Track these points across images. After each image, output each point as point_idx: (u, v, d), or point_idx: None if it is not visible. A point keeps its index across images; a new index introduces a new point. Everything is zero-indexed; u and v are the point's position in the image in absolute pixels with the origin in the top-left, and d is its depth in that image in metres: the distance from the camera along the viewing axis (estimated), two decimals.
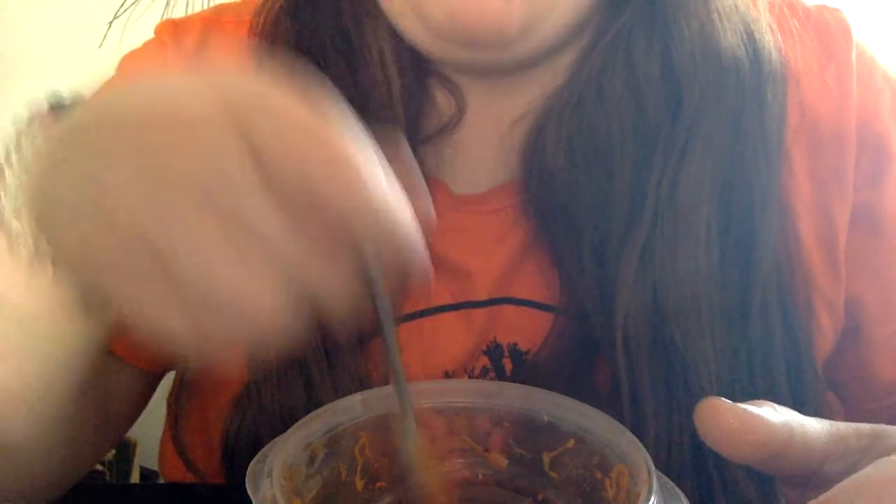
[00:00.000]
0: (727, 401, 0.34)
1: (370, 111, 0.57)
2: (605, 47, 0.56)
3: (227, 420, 0.56)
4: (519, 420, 0.43)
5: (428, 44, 0.54)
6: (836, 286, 0.57)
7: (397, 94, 0.57)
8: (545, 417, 0.43)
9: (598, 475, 0.41)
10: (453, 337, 0.57)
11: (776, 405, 0.35)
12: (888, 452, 0.33)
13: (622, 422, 0.51)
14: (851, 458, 0.35)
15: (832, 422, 0.36)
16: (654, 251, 0.53)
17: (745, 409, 0.34)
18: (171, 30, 0.64)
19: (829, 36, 0.59)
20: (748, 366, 0.53)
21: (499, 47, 0.52)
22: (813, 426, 0.35)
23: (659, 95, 0.55)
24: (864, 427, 0.36)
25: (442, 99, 0.60)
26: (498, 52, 0.53)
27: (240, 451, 0.55)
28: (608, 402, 0.52)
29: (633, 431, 0.51)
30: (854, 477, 0.31)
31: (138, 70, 0.64)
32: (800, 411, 0.53)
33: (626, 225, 0.54)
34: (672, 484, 0.38)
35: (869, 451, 0.35)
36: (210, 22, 0.64)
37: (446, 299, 0.57)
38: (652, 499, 0.36)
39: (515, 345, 0.56)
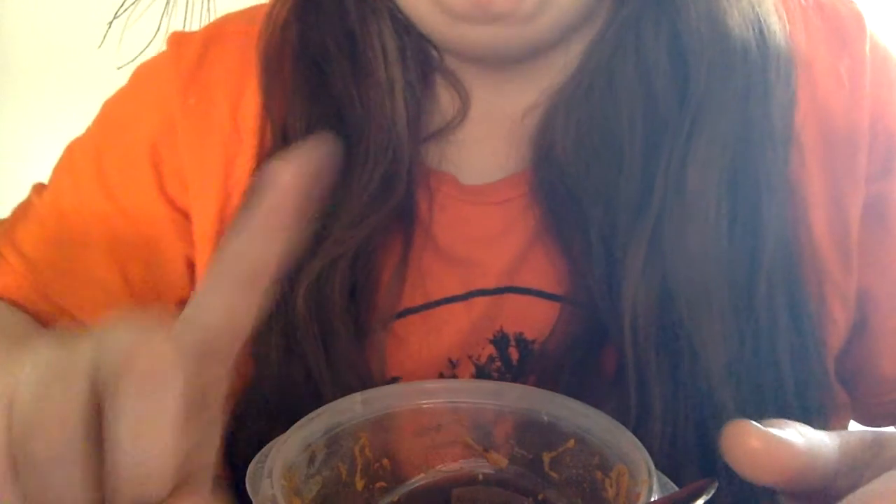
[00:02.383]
0: (754, 424, 0.34)
1: (372, 111, 0.57)
2: (615, 33, 0.56)
3: (231, 414, 0.56)
4: (519, 420, 0.43)
5: (443, 29, 0.53)
6: (847, 278, 0.57)
7: (399, 93, 0.57)
8: (545, 417, 0.43)
9: (598, 475, 0.41)
10: (459, 326, 0.57)
11: (798, 425, 0.34)
12: (892, 464, 0.33)
13: (628, 409, 0.51)
14: (858, 471, 0.35)
15: (840, 433, 0.35)
16: (662, 237, 0.53)
17: (771, 434, 0.33)
18: (175, 42, 0.64)
19: (843, 27, 0.59)
20: (754, 352, 0.52)
21: (517, 22, 0.52)
22: (827, 443, 0.34)
23: (668, 80, 0.55)
24: (867, 435, 0.36)
25: (446, 97, 0.60)
26: (517, 27, 0.52)
27: (242, 446, 0.55)
28: (614, 390, 0.52)
29: (638, 418, 0.51)
30: (860, 492, 0.31)
31: (149, 82, 0.65)
32: (804, 402, 0.53)
33: (635, 211, 0.54)
34: (672, 484, 0.38)
35: (873, 462, 0.35)
36: (213, 33, 0.65)
37: (454, 290, 0.57)
38: (652, 498, 0.36)
39: (522, 334, 0.57)
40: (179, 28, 0.65)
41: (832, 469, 0.34)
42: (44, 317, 0.65)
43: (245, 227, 0.33)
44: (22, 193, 0.69)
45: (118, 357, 0.31)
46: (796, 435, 0.34)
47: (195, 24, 0.65)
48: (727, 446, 0.33)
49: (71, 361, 0.32)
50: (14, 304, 0.65)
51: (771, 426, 0.34)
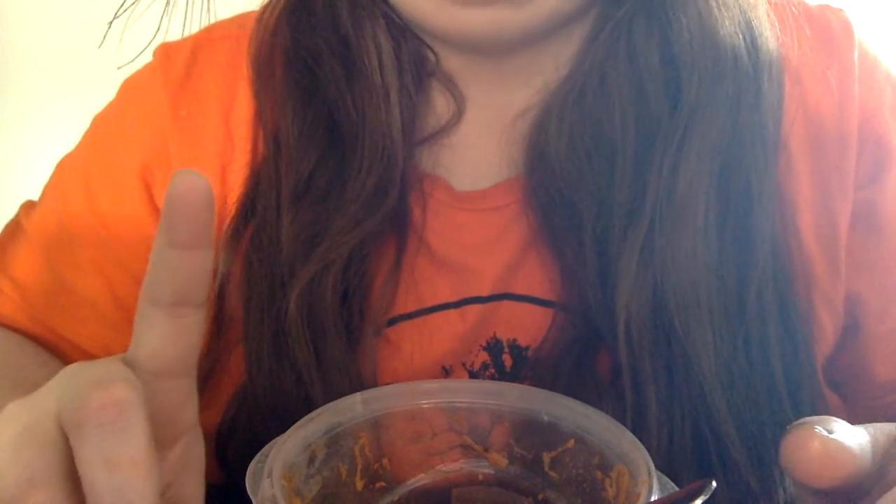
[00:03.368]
0: (817, 428, 0.34)
1: (366, 116, 0.57)
2: (607, 36, 0.56)
3: (223, 416, 0.56)
4: (519, 420, 0.43)
5: (439, 15, 0.52)
6: (835, 284, 0.57)
7: (395, 97, 0.57)
8: (545, 417, 0.43)
9: (598, 475, 0.41)
10: (452, 332, 0.57)
11: (842, 422, 0.34)
12: None
13: (624, 412, 0.52)
14: (884, 466, 0.35)
15: (866, 427, 0.35)
16: (654, 241, 0.53)
17: (833, 440, 0.33)
18: (163, 53, 0.64)
19: (831, 35, 0.59)
20: (746, 357, 0.53)
21: (513, 5, 0.51)
22: (869, 441, 0.34)
23: (659, 85, 0.55)
24: (892, 429, 0.36)
25: (440, 101, 0.60)
26: (512, 10, 0.51)
27: (234, 448, 0.55)
28: (610, 394, 0.52)
29: (634, 422, 0.51)
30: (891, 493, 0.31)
31: (137, 97, 0.65)
32: (797, 405, 0.53)
33: (628, 216, 0.54)
34: (672, 484, 0.38)
35: (893, 457, 0.35)
36: (201, 41, 0.64)
37: (448, 297, 0.57)
38: (652, 498, 0.36)
39: (515, 340, 0.56)
40: (179, 28, 0.65)
41: (870, 467, 0.34)
42: (43, 344, 0.64)
43: (163, 243, 0.34)
44: (22, 193, 0.68)
45: (77, 401, 0.32)
46: (851, 437, 0.34)
47: (195, 25, 0.65)
48: (788, 452, 0.33)
49: (38, 417, 0.33)
50: (10, 329, 0.65)
51: (820, 424, 0.34)
